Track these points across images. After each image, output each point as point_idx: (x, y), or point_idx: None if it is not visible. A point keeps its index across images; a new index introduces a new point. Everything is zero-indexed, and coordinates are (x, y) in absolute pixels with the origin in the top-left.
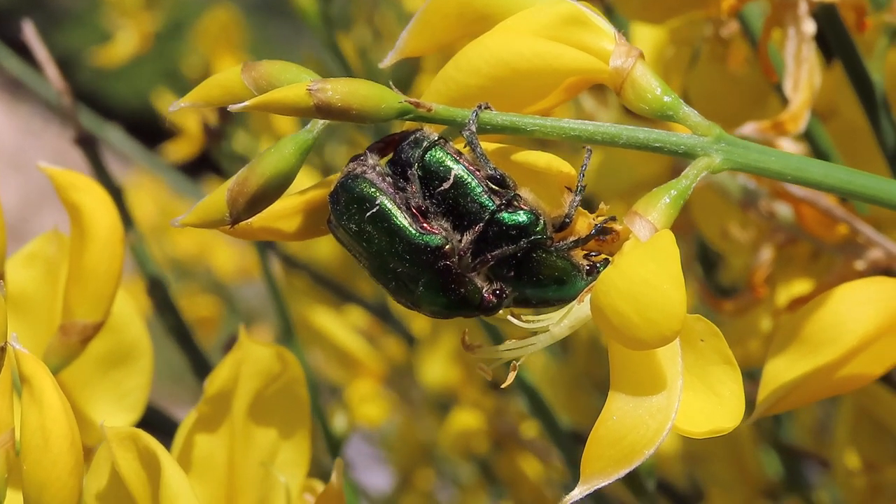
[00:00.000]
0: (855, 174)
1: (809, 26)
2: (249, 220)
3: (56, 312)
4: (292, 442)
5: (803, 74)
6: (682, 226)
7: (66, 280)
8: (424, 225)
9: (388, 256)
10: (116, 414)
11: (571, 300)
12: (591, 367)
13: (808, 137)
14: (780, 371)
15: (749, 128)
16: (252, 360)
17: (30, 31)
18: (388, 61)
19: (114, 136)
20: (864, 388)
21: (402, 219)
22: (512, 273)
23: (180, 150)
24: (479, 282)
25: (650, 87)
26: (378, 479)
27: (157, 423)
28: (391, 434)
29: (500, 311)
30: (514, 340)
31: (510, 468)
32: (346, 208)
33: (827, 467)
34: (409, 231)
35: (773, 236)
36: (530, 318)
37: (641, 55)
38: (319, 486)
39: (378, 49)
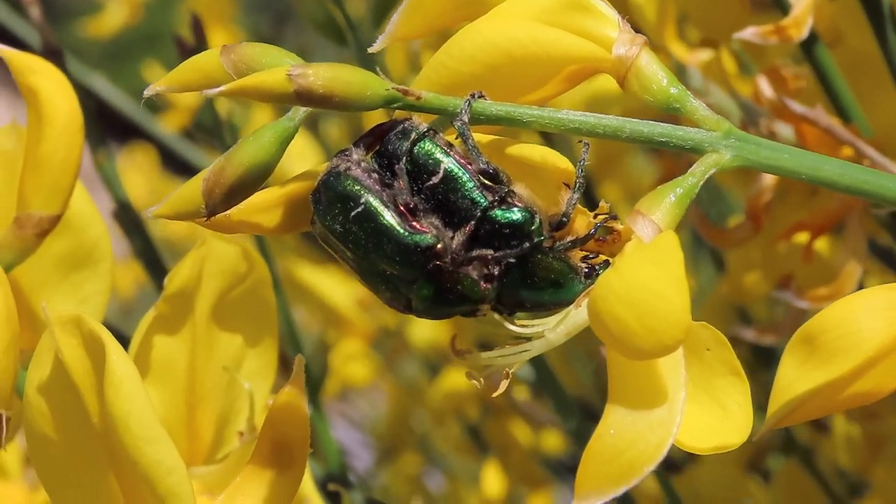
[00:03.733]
0: (871, 174)
1: None
2: (227, 212)
3: (13, 208)
4: (258, 350)
5: None
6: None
7: (22, 171)
8: (414, 224)
9: (376, 258)
10: None
11: (568, 304)
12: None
13: (813, 64)
14: (792, 382)
15: (750, 32)
16: (216, 257)
17: None
18: (378, 45)
19: (99, 84)
20: None
21: (390, 218)
22: (505, 273)
23: (170, 121)
24: (474, 275)
25: (656, 77)
26: (366, 464)
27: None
28: (378, 417)
29: (496, 315)
30: (507, 346)
31: (500, 433)
32: (329, 208)
33: (825, 429)
34: (398, 231)
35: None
36: (524, 322)
37: (646, 43)
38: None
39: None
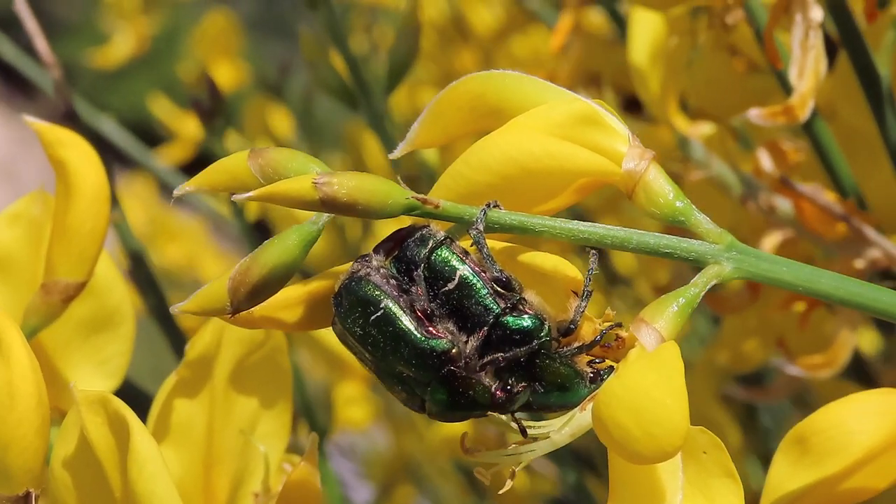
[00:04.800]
0: (865, 287)
1: (817, 13)
2: (250, 309)
3: (39, 274)
4: (273, 412)
5: (810, 62)
6: None
7: (50, 238)
8: (430, 329)
9: (393, 360)
10: (96, 380)
11: (574, 407)
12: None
13: (812, 138)
14: (784, 480)
15: (755, 113)
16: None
17: (21, 3)
18: (398, 153)
19: (107, 127)
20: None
21: (408, 323)
22: (514, 376)
23: (173, 154)
24: (486, 381)
25: (663, 191)
26: (361, 495)
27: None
28: (374, 450)
29: (503, 417)
30: (513, 445)
31: (496, 477)
32: (349, 311)
33: None
34: (415, 335)
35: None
36: (531, 423)
37: (654, 158)
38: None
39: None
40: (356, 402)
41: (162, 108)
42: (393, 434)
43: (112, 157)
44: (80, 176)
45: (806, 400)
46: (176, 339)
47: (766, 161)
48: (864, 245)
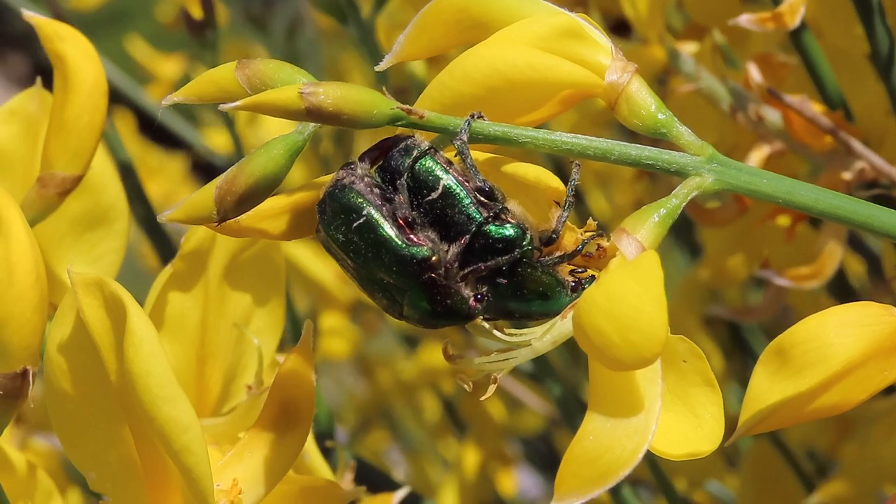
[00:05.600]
0: (843, 199)
1: None
2: (237, 218)
3: (34, 170)
4: (267, 308)
5: None
6: None
7: (47, 132)
8: (411, 236)
9: (375, 267)
10: None
11: (555, 315)
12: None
13: (800, 52)
14: (763, 392)
15: (745, 18)
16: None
17: None
18: (383, 65)
19: None
20: None
21: (389, 229)
22: (496, 285)
23: (153, 95)
24: (465, 291)
25: (645, 103)
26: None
27: None
28: (346, 394)
29: (486, 324)
30: (495, 353)
31: (475, 409)
32: (333, 218)
33: None
34: (396, 242)
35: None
36: (513, 331)
37: (637, 71)
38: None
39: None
40: (338, 333)
41: (140, 51)
42: (365, 377)
43: None
44: (78, 70)
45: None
46: (164, 250)
47: (755, 73)
48: (851, 157)
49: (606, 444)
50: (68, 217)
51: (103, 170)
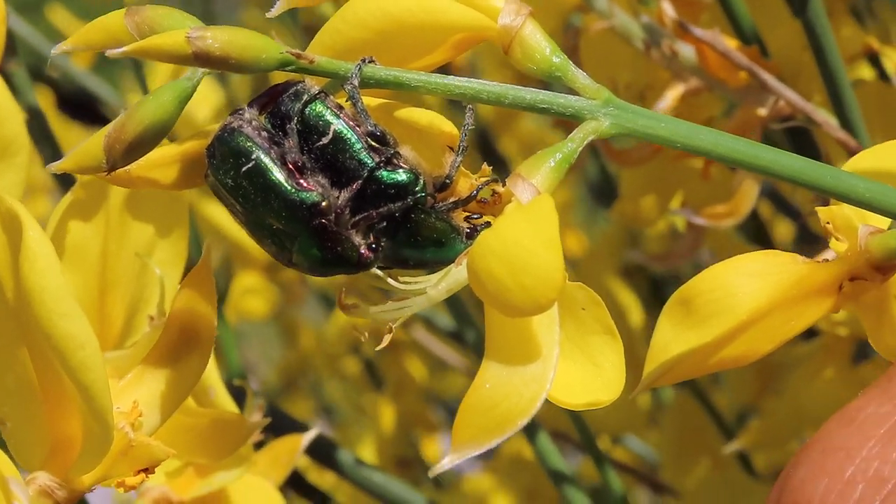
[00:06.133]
0: (743, 143)
1: None
2: (127, 167)
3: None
4: (169, 240)
5: None
6: None
7: None
8: (301, 181)
9: (264, 213)
10: None
11: (450, 262)
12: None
13: None
14: (667, 343)
15: None
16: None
17: None
18: (275, 11)
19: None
20: None
21: (278, 174)
22: (389, 232)
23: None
24: (356, 239)
25: (539, 46)
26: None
27: None
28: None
29: (379, 272)
30: (390, 302)
31: (396, 369)
32: (221, 162)
33: None
34: (285, 187)
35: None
36: (407, 279)
37: (531, 13)
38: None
39: None
40: (255, 292)
41: (62, 20)
42: (286, 340)
43: None
44: None
45: None
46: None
47: (668, 8)
48: (767, 93)
49: (503, 393)
50: None
51: (3, 102)
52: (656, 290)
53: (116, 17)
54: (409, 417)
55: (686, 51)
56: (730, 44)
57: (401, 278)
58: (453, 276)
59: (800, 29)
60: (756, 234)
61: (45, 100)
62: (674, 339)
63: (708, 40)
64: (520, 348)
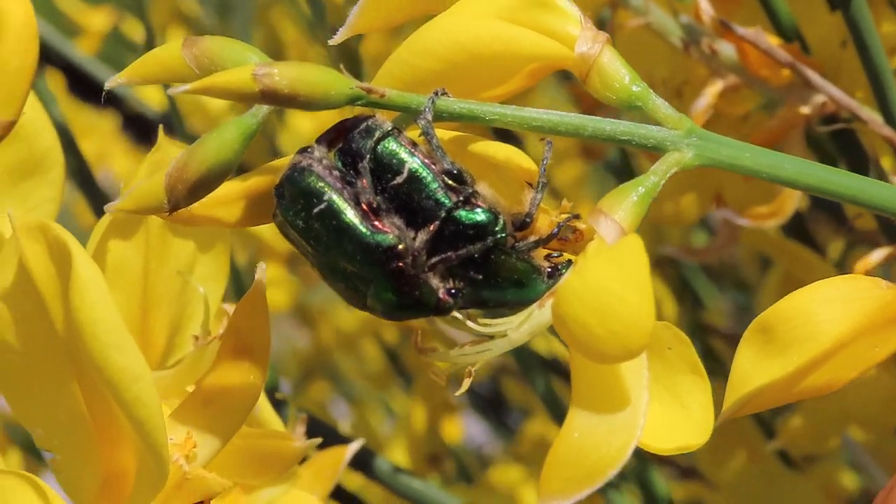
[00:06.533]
0: (829, 172)
1: None
2: (189, 207)
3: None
4: (211, 255)
5: None
6: None
7: None
8: (376, 223)
9: (337, 256)
10: None
11: (531, 304)
12: None
13: None
14: (749, 373)
15: None
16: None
17: None
18: (338, 38)
19: None
20: (794, 253)
21: (352, 216)
22: (468, 274)
23: (81, 48)
24: (434, 282)
25: (618, 75)
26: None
27: None
28: (287, 347)
29: (457, 314)
30: (468, 345)
31: (419, 359)
32: (291, 203)
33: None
34: (360, 229)
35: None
36: (487, 321)
37: (609, 41)
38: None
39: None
40: (276, 284)
41: (67, 3)
42: (307, 328)
43: None
44: (6, 12)
45: None
46: (99, 207)
47: (706, 6)
48: (810, 91)
49: (592, 443)
50: (1, 166)
51: (36, 117)
52: (683, 283)
53: (173, 49)
54: (436, 413)
55: (726, 49)
56: (772, 41)
57: (479, 320)
58: (536, 319)
59: (837, 24)
60: (795, 230)
61: (56, 83)
62: (755, 369)
63: (750, 38)
64: (608, 395)
